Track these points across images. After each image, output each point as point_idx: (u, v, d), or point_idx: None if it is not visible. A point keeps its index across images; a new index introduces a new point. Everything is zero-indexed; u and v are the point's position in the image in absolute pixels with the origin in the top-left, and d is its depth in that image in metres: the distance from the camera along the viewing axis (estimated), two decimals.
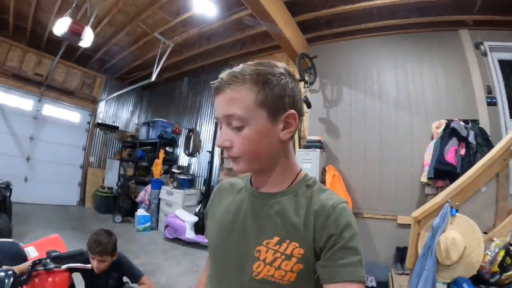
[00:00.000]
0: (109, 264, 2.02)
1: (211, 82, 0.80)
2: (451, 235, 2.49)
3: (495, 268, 2.41)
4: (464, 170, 3.50)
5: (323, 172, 4.27)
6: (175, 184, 5.81)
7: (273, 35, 4.17)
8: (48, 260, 1.75)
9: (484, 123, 3.96)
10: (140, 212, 5.75)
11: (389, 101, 4.47)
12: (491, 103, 4.05)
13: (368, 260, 3.94)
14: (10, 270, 1.52)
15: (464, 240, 2.48)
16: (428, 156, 3.94)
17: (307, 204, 0.78)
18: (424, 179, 3.89)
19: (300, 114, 0.81)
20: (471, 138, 3.74)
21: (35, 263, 1.70)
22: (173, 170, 6.10)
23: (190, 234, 4.80)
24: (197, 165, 6.52)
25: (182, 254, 4.59)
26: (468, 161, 3.66)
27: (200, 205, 5.59)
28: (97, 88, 7.68)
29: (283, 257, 0.74)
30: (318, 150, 4.23)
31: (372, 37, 4.67)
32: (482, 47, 4.13)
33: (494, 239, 2.58)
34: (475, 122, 3.94)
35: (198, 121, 6.62)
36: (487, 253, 2.46)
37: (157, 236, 5.47)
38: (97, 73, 7.65)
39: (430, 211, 2.66)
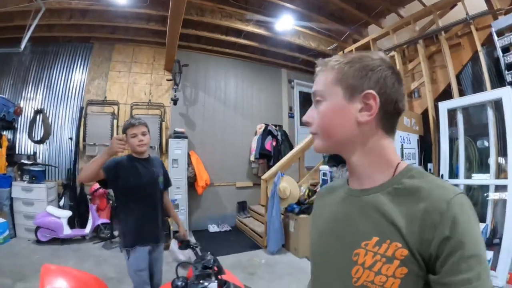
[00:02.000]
0: (149, 143, 2.33)
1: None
2: (283, 184, 4.80)
3: (306, 197, 4.96)
4: (274, 154, 6.24)
5: (189, 156, 5.70)
6: (26, 178, 5.13)
7: (170, 33, 4.92)
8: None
9: (285, 128, 6.90)
10: None
11: (231, 106, 6.68)
12: (291, 116, 7.21)
13: (220, 214, 5.99)
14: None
15: (289, 186, 4.82)
16: (254, 145, 6.45)
17: (411, 199, 0.68)
18: (252, 158, 6.43)
19: (394, 107, 0.74)
20: (279, 136, 6.43)
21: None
22: (22, 161, 5.29)
23: (67, 230, 4.78)
24: (46, 153, 5.78)
25: (72, 251, 4.58)
26: (277, 149, 6.29)
27: (64, 197, 5.36)
28: None
29: (383, 259, 0.65)
30: (186, 139, 5.63)
31: (226, 58, 6.66)
32: (292, 82, 7.29)
33: (302, 185, 5.16)
34: (281, 126, 6.73)
35: (47, 100, 5.84)
36: (301, 191, 4.99)
37: (24, 243, 4.78)
38: None
39: (270, 175, 5.02)
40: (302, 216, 4.69)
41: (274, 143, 6.32)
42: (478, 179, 3.73)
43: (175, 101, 5.72)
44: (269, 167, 6.19)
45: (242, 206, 6.49)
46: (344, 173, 5.00)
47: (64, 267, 2.11)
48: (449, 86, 4.28)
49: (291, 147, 6.60)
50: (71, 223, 5.01)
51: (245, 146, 6.60)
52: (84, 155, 5.66)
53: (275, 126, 6.56)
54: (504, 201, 3.21)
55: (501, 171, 3.43)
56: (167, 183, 2.53)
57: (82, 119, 5.58)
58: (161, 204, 2.40)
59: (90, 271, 3.70)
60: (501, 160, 3.46)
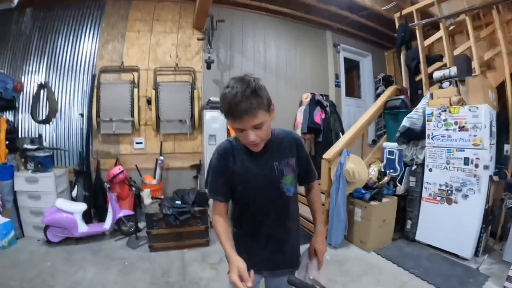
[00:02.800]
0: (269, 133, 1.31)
1: None
2: (350, 165, 3.89)
3: (375, 180, 4.06)
4: (324, 127, 5.25)
5: (228, 131, 4.71)
6: (31, 166, 4.17)
7: None
8: None
9: (331, 98, 5.82)
10: None
11: (272, 72, 5.62)
12: (337, 85, 6.20)
13: None
14: None
15: (357, 167, 3.91)
16: (300, 117, 5.41)
17: None
18: (298, 133, 5.33)
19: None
20: (328, 108, 5.34)
21: None
22: (25, 145, 4.31)
23: (83, 227, 3.90)
24: (54, 134, 4.79)
25: (91, 254, 3.66)
26: (327, 122, 5.35)
27: (77, 186, 4.44)
28: None
29: None
30: None
31: (265, 16, 5.56)
32: (338, 47, 6.30)
33: (371, 165, 4.26)
34: (327, 96, 5.61)
35: (53, 73, 4.81)
36: (370, 173, 4.07)
37: (34, 245, 3.89)
38: None
39: (335, 154, 4.04)
40: (373, 203, 3.79)
41: (323, 115, 5.29)
42: None
43: (209, 63, 4.66)
44: (316, 143, 5.31)
45: None
46: (418, 151, 4.05)
47: None
48: None
49: (340, 120, 5.62)
50: (88, 216, 4.20)
51: (289, 119, 5.58)
52: (99, 134, 4.69)
53: (322, 95, 5.51)
54: None
55: None
56: (308, 175, 1.52)
57: (95, 90, 4.57)
58: (288, 216, 1.45)
59: (116, 284, 2.96)
60: None
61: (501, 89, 4.09)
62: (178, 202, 3.83)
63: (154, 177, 4.54)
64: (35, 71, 4.82)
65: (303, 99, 5.52)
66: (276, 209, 1.38)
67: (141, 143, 4.77)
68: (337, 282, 3.07)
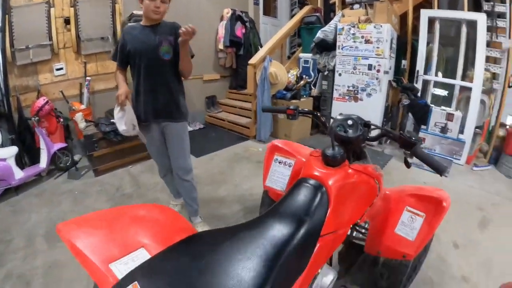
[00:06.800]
0: (165, 12, 1.95)
1: None
2: (273, 69, 4.22)
3: (294, 83, 4.58)
4: (245, 41, 5.43)
5: None
6: None
7: None
8: None
9: (251, 15, 5.79)
10: None
11: None
12: (256, 3, 6.22)
13: (190, 112, 4.70)
14: None
15: (279, 71, 4.30)
16: (221, 32, 5.41)
17: None
18: (220, 46, 5.44)
19: None
20: (248, 23, 5.44)
21: None
22: None
23: (19, 173, 3.33)
24: None
25: (37, 198, 3.20)
26: (247, 37, 5.55)
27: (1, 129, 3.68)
28: None
29: None
30: None
31: None
32: None
33: (290, 70, 4.67)
34: (247, 13, 5.68)
35: None
36: (289, 76, 4.57)
37: None
38: None
39: (259, 60, 4.44)
40: (293, 101, 4.38)
41: (243, 30, 5.41)
42: (446, 78, 4.18)
43: None
44: (238, 57, 5.51)
45: (212, 101, 5.71)
46: (329, 60, 4.59)
47: None
48: None
49: (258, 35, 5.82)
50: (19, 162, 3.57)
51: (211, 34, 5.50)
52: (14, 67, 3.94)
53: (242, 12, 5.52)
54: (467, 98, 3.90)
55: (465, 76, 4.00)
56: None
57: (6, 17, 3.71)
58: (166, 77, 2.03)
59: (74, 212, 2.81)
60: (469, 68, 3.93)
61: (404, 19, 4.67)
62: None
63: (81, 102, 4.29)
64: None
65: (224, 14, 5.46)
66: (156, 69, 1.96)
67: (61, 68, 4.28)
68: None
